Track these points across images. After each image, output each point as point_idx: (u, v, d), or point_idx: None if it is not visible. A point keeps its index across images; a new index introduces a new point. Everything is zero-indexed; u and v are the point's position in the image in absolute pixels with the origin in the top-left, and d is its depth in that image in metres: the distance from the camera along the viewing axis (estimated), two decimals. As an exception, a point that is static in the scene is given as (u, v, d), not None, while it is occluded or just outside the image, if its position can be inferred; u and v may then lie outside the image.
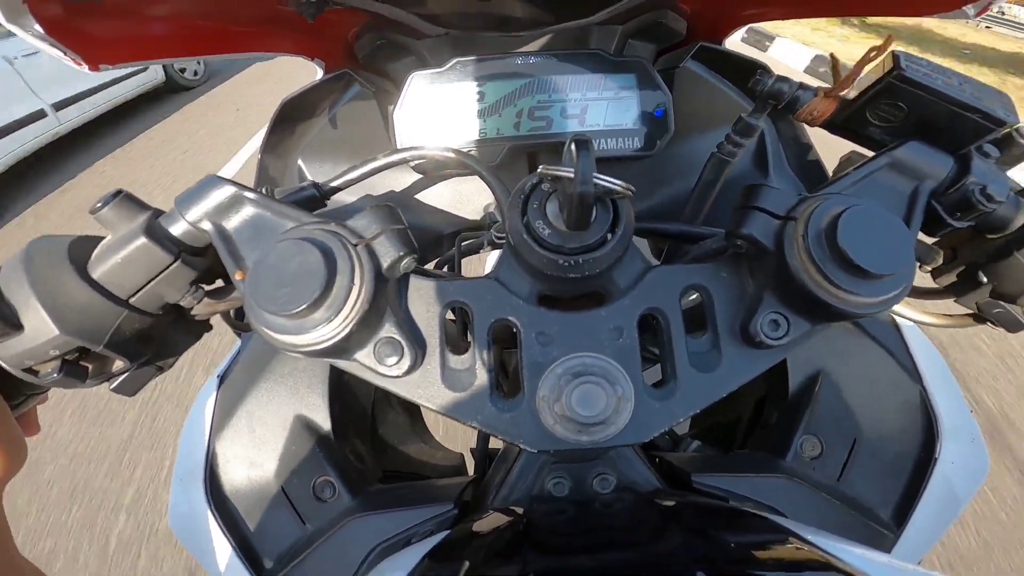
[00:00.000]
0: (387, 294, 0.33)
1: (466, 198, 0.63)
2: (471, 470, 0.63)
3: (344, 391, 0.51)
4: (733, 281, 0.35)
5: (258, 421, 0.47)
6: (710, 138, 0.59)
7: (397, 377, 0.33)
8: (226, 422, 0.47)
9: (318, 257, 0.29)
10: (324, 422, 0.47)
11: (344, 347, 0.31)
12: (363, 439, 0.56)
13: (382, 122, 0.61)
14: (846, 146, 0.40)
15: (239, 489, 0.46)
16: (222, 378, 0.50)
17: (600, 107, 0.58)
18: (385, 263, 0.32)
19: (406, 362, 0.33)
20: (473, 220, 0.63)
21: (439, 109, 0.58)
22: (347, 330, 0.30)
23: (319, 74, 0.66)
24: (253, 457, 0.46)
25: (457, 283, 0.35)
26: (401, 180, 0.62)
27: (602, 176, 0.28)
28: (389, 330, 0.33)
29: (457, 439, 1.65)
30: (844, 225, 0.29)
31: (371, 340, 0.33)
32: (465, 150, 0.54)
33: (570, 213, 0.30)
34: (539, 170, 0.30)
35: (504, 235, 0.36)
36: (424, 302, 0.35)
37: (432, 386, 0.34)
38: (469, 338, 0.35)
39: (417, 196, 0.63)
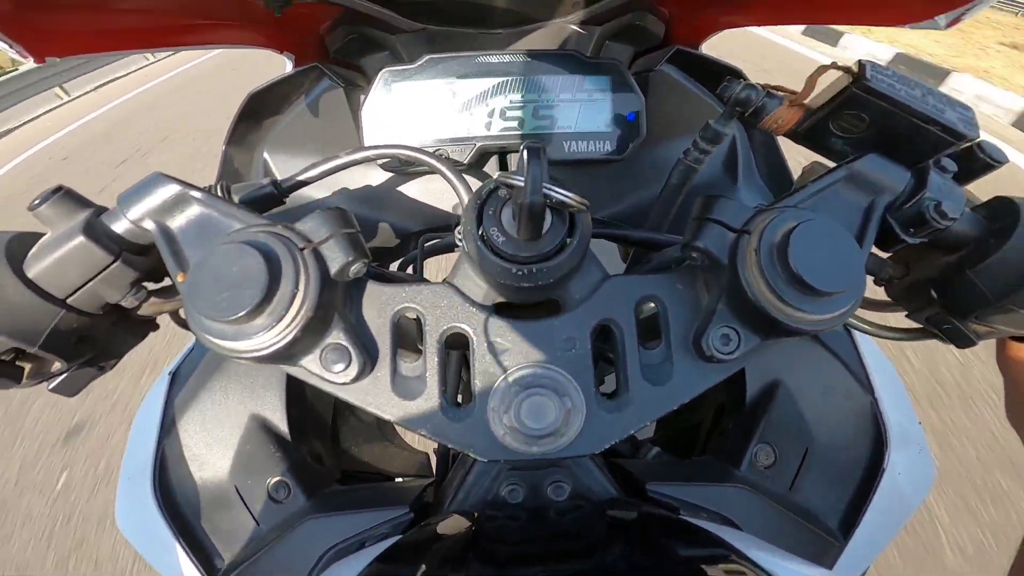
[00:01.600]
0: (335, 299, 0.32)
1: (436, 197, 0.62)
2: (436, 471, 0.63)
3: (303, 390, 0.50)
4: (688, 293, 0.35)
5: (211, 420, 0.46)
6: (682, 143, 0.59)
7: (345, 384, 0.33)
8: (177, 420, 0.46)
9: (260, 262, 0.28)
10: (280, 422, 0.46)
11: (288, 353, 0.31)
12: (322, 439, 0.55)
13: (351, 117, 0.60)
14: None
15: (190, 489, 0.45)
16: (174, 375, 0.49)
17: (573, 109, 0.57)
18: (333, 268, 0.31)
19: (354, 369, 0.32)
20: (442, 219, 0.62)
21: (409, 106, 0.57)
22: (290, 337, 0.29)
23: (288, 67, 0.64)
24: (205, 456, 0.45)
25: (410, 289, 0.35)
26: (368, 177, 0.61)
27: (554, 188, 0.28)
28: (337, 336, 0.32)
29: (426, 439, 1.63)
30: (796, 241, 0.29)
31: (318, 346, 0.32)
32: (432, 149, 0.53)
33: (521, 222, 0.29)
34: (495, 176, 0.29)
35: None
36: (376, 307, 0.35)
37: (382, 393, 0.33)
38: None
39: (385, 194, 0.62)
